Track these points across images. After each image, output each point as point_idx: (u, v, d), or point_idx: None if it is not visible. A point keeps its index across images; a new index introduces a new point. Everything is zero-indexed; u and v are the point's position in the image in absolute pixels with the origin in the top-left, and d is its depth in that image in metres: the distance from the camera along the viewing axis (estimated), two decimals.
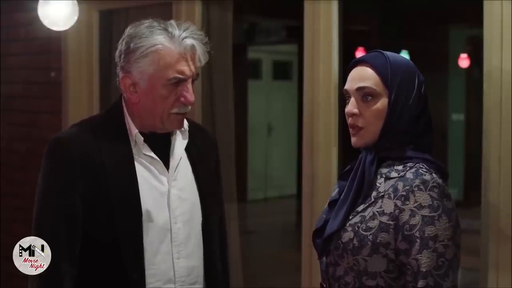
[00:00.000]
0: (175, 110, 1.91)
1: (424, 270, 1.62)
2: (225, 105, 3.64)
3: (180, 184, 1.98)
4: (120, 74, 1.93)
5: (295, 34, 7.24)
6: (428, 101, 1.79)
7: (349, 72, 1.81)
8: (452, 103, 8.15)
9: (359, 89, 1.75)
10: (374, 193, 1.73)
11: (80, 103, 4.00)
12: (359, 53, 6.56)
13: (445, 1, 6.53)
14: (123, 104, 1.98)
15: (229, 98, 3.65)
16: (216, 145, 2.20)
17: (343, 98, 1.84)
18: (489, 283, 2.36)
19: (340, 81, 2.83)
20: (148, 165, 1.94)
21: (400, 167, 1.73)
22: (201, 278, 2.00)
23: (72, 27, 3.38)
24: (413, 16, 7.18)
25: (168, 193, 1.95)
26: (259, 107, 9.26)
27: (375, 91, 1.73)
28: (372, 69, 1.75)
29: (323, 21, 2.88)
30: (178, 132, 2.01)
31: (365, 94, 1.74)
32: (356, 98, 1.76)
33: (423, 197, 1.65)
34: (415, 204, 1.65)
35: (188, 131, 2.03)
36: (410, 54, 7.02)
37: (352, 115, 1.75)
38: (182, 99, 1.90)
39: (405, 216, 1.66)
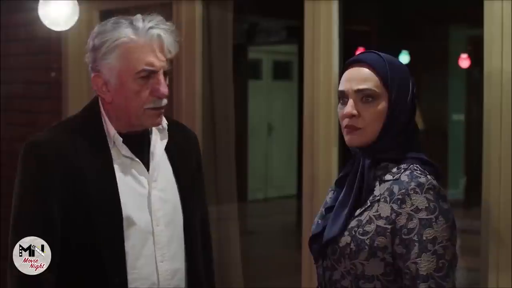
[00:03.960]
0: (150, 105, 1.85)
1: (424, 273, 1.61)
2: (225, 105, 3.64)
3: (160, 185, 1.92)
4: (91, 75, 1.87)
5: (295, 34, 7.24)
6: (416, 103, 1.79)
7: (343, 72, 1.78)
8: (453, 103, 8.14)
9: (359, 91, 1.72)
10: (370, 197, 1.72)
11: (81, 103, 3.96)
12: None
13: (445, 1, 6.53)
14: (100, 104, 1.92)
15: (229, 98, 3.65)
16: (197, 141, 2.13)
17: None
18: (489, 283, 2.36)
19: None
20: (128, 166, 1.88)
21: (394, 169, 1.72)
22: (184, 281, 1.95)
23: (73, 27, 3.38)
24: (413, 16, 7.17)
25: (148, 195, 1.90)
26: (259, 107, 9.25)
27: (376, 93, 1.71)
28: (371, 70, 1.72)
29: (323, 21, 2.88)
30: (156, 131, 1.95)
31: (366, 96, 1.72)
32: (355, 99, 1.73)
33: (420, 200, 1.64)
34: (412, 208, 1.64)
35: (168, 130, 1.97)
36: (411, 54, 7.01)
37: (352, 116, 1.72)
38: (155, 92, 1.84)
39: (402, 220, 1.65)
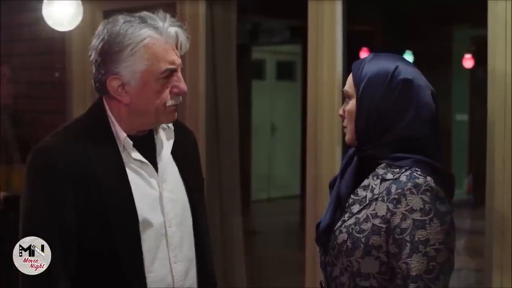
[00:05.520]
0: (170, 103, 1.84)
1: (414, 274, 1.62)
2: (229, 105, 3.65)
3: (170, 185, 1.91)
4: (104, 77, 1.84)
5: (299, 34, 7.23)
6: (423, 104, 1.76)
7: None
8: (456, 103, 8.13)
9: (343, 92, 1.87)
10: (369, 195, 1.74)
11: (84, 103, 4.00)
12: (363, 54, 6.55)
13: (449, 1, 6.52)
14: (106, 106, 1.89)
15: (233, 98, 3.65)
16: (195, 140, 2.11)
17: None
18: (493, 283, 2.35)
19: (344, 82, 2.82)
20: (138, 169, 1.86)
21: (396, 170, 1.73)
22: (195, 280, 1.96)
23: (76, 27, 3.39)
24: (417, 16, 7.16)
25: (160, 196, 1.88)
26: (262, 107, 9.25)
27: (349, 93, 1.82)
28: (352, 72, 1.84)
29: (327, 21, 2.88)
30: (162, 131, 1.94)
31: (345, 96, 1.85)
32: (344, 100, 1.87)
33: (415, 201, 1.65)
34: (407, 208, 1.65)
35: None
36: (414, 54, 7.01)
37: (340, 116, 1.87)
38: (176, 89, 1.84)
39: (396, 220, 1.66)
